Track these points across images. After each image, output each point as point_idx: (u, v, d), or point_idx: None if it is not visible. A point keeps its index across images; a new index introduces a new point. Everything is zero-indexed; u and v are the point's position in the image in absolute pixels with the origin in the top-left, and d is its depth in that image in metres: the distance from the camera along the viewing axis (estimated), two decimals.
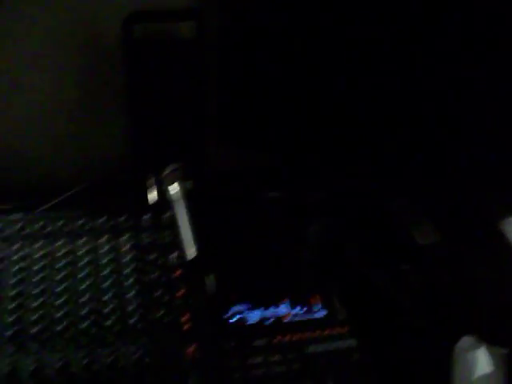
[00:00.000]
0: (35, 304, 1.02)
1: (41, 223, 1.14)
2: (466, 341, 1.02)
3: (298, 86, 1.32)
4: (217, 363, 1.00)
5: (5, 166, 1.41)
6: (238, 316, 1.08)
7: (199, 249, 1.03)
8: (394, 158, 1.33)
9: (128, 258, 1.11)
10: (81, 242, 1.13)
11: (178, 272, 1.11)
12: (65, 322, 1.00)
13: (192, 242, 1.05)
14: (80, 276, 1.07)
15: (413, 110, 1.28)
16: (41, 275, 1.06)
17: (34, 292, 1.04)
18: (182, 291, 1.08)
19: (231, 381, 0.98)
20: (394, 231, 1.31)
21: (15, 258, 1.08)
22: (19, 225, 1.13)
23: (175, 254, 1.12)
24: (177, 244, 1.14)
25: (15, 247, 1.10)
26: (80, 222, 1.16)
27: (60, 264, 1.08)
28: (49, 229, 1.14)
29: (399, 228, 1.31)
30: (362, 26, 1.22)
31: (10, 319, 0.99)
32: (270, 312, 1.09)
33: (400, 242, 1.29)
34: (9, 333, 0.97)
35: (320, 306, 1.10)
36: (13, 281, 1.04)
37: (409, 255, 1.25)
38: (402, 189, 1.35)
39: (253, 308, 1.09)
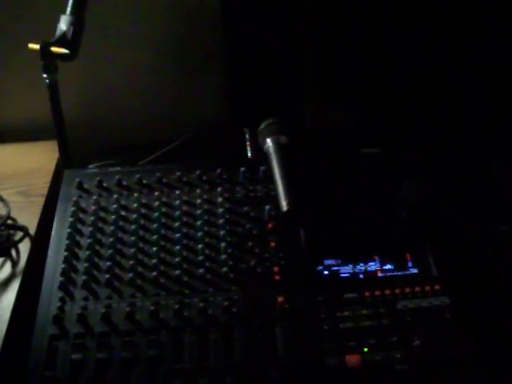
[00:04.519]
0: (131, 251, 1.05)
1: (137, 176, 1.17)
2: None
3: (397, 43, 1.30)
4: (305, 314, 0.99)
5: (109, 124, 1.47)
6: (330, 269, 1.06)
7: (292, 203, 1.02)
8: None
9: (222, 209, 1.12)
10: (176, 193, 1.15)
11: (271, 225, 1.11)
12: (158, 270, 1.03)
13: (285, 195, 1.03)
14: (174, 226, 1.10)
15: None
16: (136, 224, 1.10)
17: (130, 240, 1.07)
18: (274, 243, 1.08)
19: (319, 332, 0.97)
20: (493, 191, 1.25)
21: (114, 207, 1.12)
22: (117, 177, 1.16)
23: (268, 207, 1.13)
24: (270, 197, 1.14)
25: (114, 198, 1.14)
26: (176, 174, 1.18)
27: (155, 214, 1.11)
28: (145, 181, 1.17)
29: (498, 187, 1.25)
30: None
31: (107, 265, 1.03)
32: (360, 267, 1.07)
33: (499, 201, 1.23)
34: (103, 279, 1.02)
35: (412, 262, 1.07)
36: (110, 229, 1.09)
37: (508, 216, 1.19)
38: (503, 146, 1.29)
39: (343, 262, 1.07)
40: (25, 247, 1.16)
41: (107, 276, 1.02)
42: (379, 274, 1.06)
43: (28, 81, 1.33)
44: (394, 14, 1.28)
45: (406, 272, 1.06)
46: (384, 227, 1.12)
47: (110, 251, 1.05)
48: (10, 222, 1.19)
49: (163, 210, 1.12)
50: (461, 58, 1.30)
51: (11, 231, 1.18)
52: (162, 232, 1.09)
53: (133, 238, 1.07)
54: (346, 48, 1.34)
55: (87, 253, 1.05)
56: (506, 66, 1.31)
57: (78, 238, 1.08)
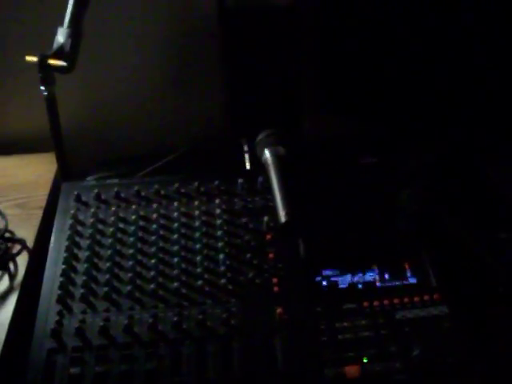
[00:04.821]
0: (129, 264, 1.05)
1: (136, 188, 1.17)
2: None
3: (392, 54, 1.31)
4: (304, 325, 0.99)
5: (107, 136, 1.47)
6: (329, 279, 1.06)
7: (290, 214, 1.02)
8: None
9: (220, 221, 1.12)
10: (174, 205, 1.15)
11: (269, 236, 1.11)
12: (156, 282, 1.03)
13: (283, 206, 1.03)
14: (172, 238, 1.09)
15: None
16: (134, 237, 1.09)
17: (129, 252, 1.07)
18: (272, 254, 1.08)
19: (318, 343, 0.97)
20: (493, 199, 1.25)
21: (112, 220, 1.12)
22: (115, 189, 1.16)
23: (266, 219, 1.12)
24: (268, 208, 1.14)
25: (112, 210, 1.14)
26: (174, 186, 1.18)
27: (153, 226, 1.11)
28: (143, 193, 1.17)
29: (498, 195, 1.25)
30: None
31: (106, 278, 1.03)
32: (359, 277, 1.06)
33: (499, 209, 1.23)
34: (101, 291, 1.01)
35: (411, 272, 1.07)
36: (109, 241, 1.08)
37: (507, 224, 1.19)
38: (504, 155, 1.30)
39: (342, 273, 1.07)
40: (23, 260, 1.15)
41: (105, 289, 1.01)
42: (378, 284, 1.06)
43: (26, 93, 1.34)
44: (390, 25, 1.28)
45: (405, 282, 1.06)
46: (383, 237, 1.12)
47: (108, 264, 1.05)
48: (7, 234, 1.19)
49: (161, 222, 1.12)
50: (460, 67, 1.31)
51: (9, 244, 1.17)
52: (161, 244, 1.08)
53: (131, 251, 1.07)
54: (344, 59, 1.35)
55: (85, 266, 1.04)
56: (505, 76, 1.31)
57: (76, 250, 1.08)
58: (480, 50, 1.29)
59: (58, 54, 1.15)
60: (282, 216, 1.01)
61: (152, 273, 1.04)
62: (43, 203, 1.28)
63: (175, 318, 0.97)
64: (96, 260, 1.06)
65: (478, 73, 1.31)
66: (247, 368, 0.93)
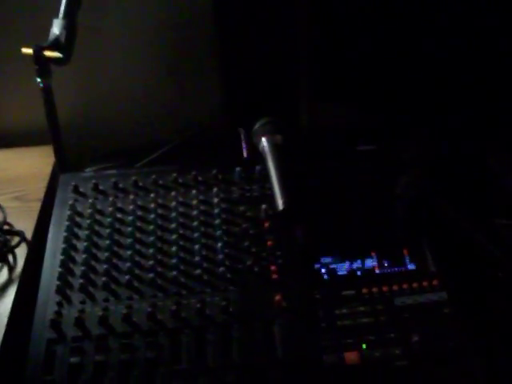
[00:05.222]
0: (128, 253, 1.05)
1: (133, 178, 1.17)
2: None
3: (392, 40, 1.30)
4: (303, 312, 0.99)
5: (104, 127, 1.47)
6: (327, 267, 1.06)
7: (288, 201, 1.01)
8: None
9: (218, 210, 1.12)
10: (172, 195, 1.15)
11: (267, 224, 1.11)
12: (155, 271, 1.03)
13: (281, 194, 1.03)
14: (170, 227, 1.09)
15: None
16: (133, 227, 1.09)
17: (127, 242, 1.07)
18: (271, 242, 1.08)
19: (317, 330, 0.97)
20: (492, 185, 1.25)
21: (110, 210, 1.12)
22: (113, 180, 1.16)
23: (264, 207, 1.12)
24: (266, 197, 1.14)
25: (110, 200, 1.14)
26: (172, 176, 1.18)
27: (151, 216, 1.11)
28: (141, 183, 1.17)
29: (498, 182, 1.25)
30: None
31: (104, 268, 1.03)
32: (358, 264, 1.06)
33: (497, 195, 1.23)
34: (100, 281, 1.02)
35: (410, 258, 1.07)
36: (107, 232, 1.09)
37: (506, 210, 1.19)
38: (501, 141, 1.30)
39: (341, 260, 1.07)
40: (22, 252, 1.16)
41: (104, 279, 1.01)
42: (377, 271, 1.06)
43: (23, 85, 1.33)
44: (390, 12, 1.28)
45: (404, 268, 1.06)
46: (381, 223, 1.12)
47: (107, 254, 1.05)
48: (6, 227, 1.19)
49: (159, 211, 1.12)
50: (460, 54, 1.30)
51: (8, 236, 1.17)
52: (159, 233, 1.08)
53: (129, 241, 1.07)
54: (342, 47, 1.34)
55: (84, 256, 1.04)
56: (506, 64, 1.31)
57: (74, 241, 1.08)
58: (479, 34, 1.28)
59: (54, 46, 1.15)
60: (280, 204, 1.01)
61: (150, 262, 1.04)
62: (41, 195, 1.29)
63: (174, 307, 0.97)
64: (94, 250, 1.06)
65: (478, 60, 1.31)
66: (246, 356, 0.93)
